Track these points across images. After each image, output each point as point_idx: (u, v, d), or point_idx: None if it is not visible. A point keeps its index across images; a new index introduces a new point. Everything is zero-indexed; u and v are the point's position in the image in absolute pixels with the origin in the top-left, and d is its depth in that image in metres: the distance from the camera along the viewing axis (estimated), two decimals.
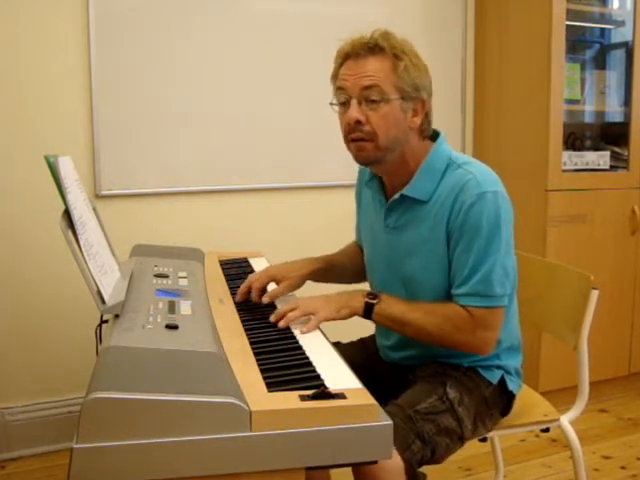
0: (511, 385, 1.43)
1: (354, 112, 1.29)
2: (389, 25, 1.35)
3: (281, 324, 1.28)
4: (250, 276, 1.51)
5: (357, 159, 1.36)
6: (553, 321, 1.65)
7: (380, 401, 1.00)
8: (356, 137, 1.31)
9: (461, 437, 1.32)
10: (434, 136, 1.40)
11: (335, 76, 1.36)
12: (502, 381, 1.41)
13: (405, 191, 1.36)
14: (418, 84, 1.31)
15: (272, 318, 1.30)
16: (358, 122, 1.30)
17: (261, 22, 2.39)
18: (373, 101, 1.29)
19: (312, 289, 1.53)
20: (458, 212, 1.28)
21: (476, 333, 1.29)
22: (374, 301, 1.32)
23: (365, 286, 1.60)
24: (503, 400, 1.43)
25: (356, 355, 1.50)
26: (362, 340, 1.63)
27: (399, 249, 1.40)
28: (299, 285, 1.52)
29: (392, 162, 1.35)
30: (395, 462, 1.13)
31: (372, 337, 1.61)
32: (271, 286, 1.50)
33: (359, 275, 1.64)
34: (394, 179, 1.40)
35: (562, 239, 2.53)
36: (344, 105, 1.33)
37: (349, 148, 1.36)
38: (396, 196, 1.37)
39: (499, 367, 1.42)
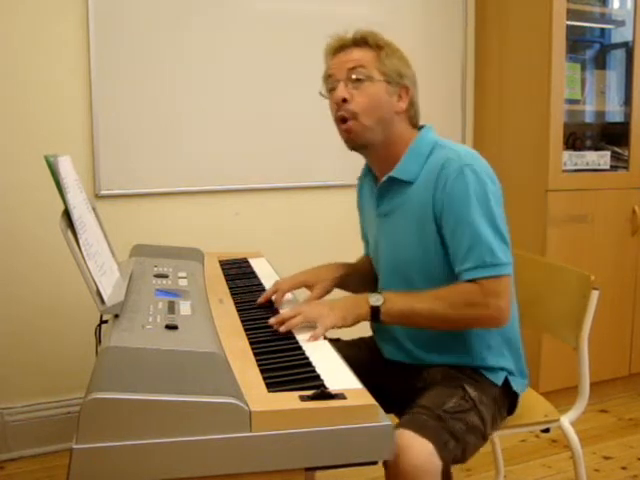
0: (515, 386, 1.42)
1: (340, 91, 1.34)
2: (389, 25, 1.42)
3: (282, 329, 1.25)
4: (276, 281, 1.50)
5: (346, 142, 1.39)
6: (553, 321, 1.64)
7: (383, 400, 1.00)
8: (341, 116, 1.35)
9: (484, 435, 1.32)
10: (421, 128, 1.43)
11: (326, 71, 1.41)
12: (506, 382, 1.41)
13: (392, 173, 1.38)
14: (401, 71, 1.37)
15: (272, 321, 1.28)
16: (344, 100, 1.34)
17: (261, 22, 2.39)
18: (358, 80, 1.34)
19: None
20: (443, 187, 1.29)
21: (489, 304, 1.26)
22: (378, 303, 1.29)
23: None
24: (508, 400, 1.43)
25: (358, 354, 1.49)
26: (362, 339, 1.61)
27: (392, 236, 1.41)
28: (331, 289, 1.51)
29: (380, 145, 1.38)
30: (434, 462, 1.11)
31: (372, 337, 1.60)
32: (302, 292, 1.49)
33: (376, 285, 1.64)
34: (383, 165, 1.41)
35: (562, 239, 2.53)
36: (333, 91, 1.37)
37: (341, 135, 1.39)
38: (384, 179, 1.39)
39: (502, 368, 1.41)
